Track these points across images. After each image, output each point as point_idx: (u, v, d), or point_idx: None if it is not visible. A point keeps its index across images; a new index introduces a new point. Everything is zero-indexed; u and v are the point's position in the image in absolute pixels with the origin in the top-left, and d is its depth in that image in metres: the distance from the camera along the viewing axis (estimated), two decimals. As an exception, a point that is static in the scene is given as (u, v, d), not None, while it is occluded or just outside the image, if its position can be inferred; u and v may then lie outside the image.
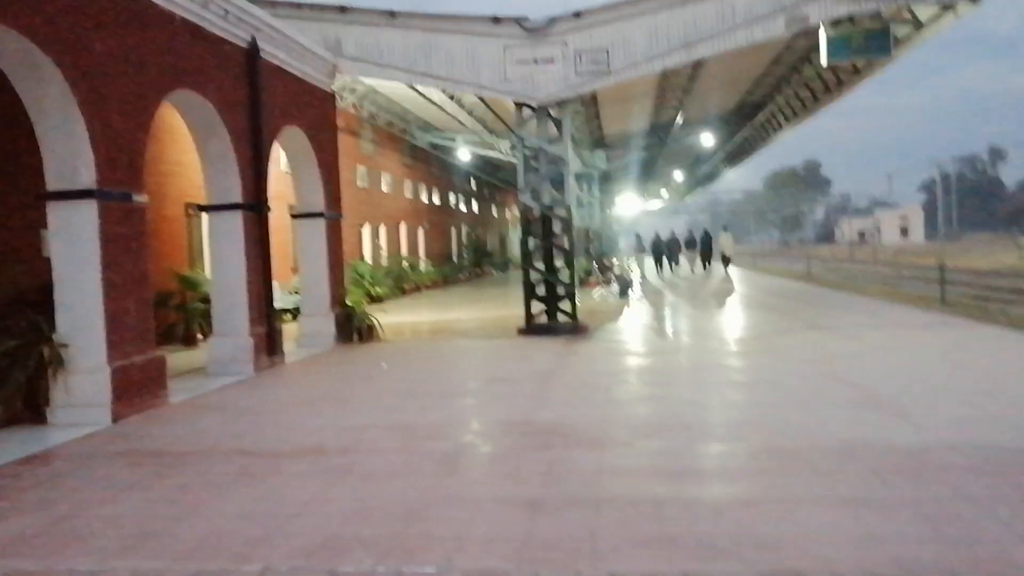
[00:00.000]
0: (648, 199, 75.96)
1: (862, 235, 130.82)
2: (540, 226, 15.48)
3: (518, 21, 14.94)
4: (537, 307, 15.61)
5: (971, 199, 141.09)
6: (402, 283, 29.63)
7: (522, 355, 12.80)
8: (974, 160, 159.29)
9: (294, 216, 15.25)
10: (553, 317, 15.55)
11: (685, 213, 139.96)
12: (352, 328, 15.32)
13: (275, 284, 20.73)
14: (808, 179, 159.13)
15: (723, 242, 38.78)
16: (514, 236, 62.60)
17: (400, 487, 5.81)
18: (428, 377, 11.06)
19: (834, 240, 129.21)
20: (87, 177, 8.44)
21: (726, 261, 38.14)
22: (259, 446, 7.29)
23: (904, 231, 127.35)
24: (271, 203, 13.23)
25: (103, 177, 8.55)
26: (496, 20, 14.99)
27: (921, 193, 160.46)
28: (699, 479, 5.76)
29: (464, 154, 33.95)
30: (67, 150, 8.39)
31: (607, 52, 14.85)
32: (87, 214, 8.41)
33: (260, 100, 12.16)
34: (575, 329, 15.15)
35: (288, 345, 14.56)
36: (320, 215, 15.05)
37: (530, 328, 15.31)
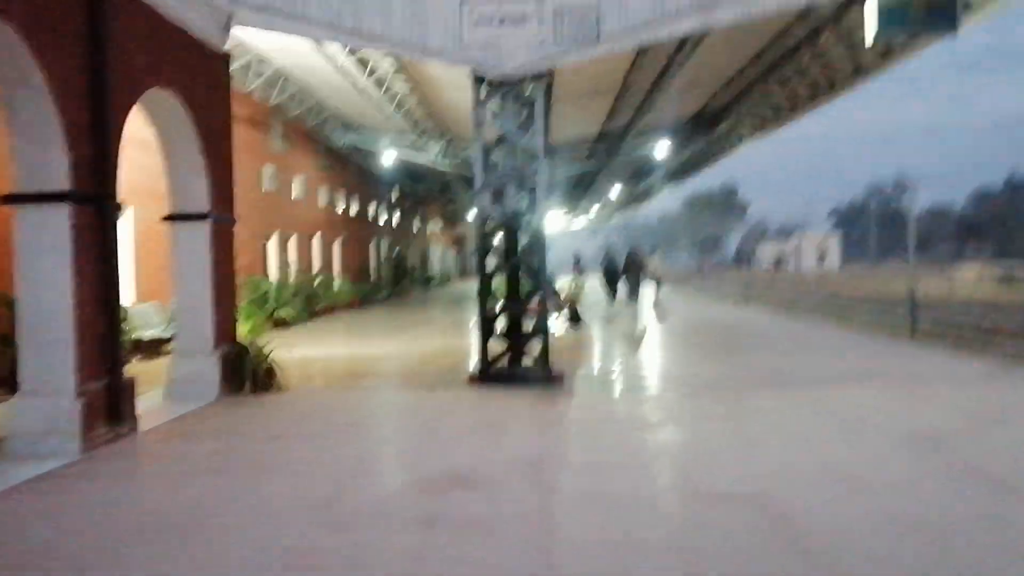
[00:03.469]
0: (574, 216, 73.13)
1: (779, 260, 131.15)
2: (504, 239, 11.73)
3: (481, -34, 11.22)
4: (493, 344, 11.85)
5: (877, 227, 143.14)
6: (313, 304, 25.44)
7: (486, 423, 8.97)
8: (879, 189, 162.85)
9: (166, 218, 11.10)
10: (517, 361, 11.78)
11: (602, 234, 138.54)
12: (244, 372, 11.24)
13: (152, 306, 16.50)
14: (726, 203, 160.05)
15: (655, 265, 36.14)
16: (436, 252, 58.72)
17: None
18: (348, 473, 7.09)
19: (750, 264, 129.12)
20: None
21: (658, 285, 35.42)
22: None
23: (821, 257, 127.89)
24: (148, 202, 9.24)
25: None
26: (451, -37, 11.24)
27: (830, 219, 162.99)
28: None
29: (388, 158, 29.97)
30: None
31: (597, 12, 11.24)
32: None
33: (106, 39, 8.08)
34: (548, 378, 11.40)
35: (153, 395, 10.47)
36: (203, 217, 10.95)
37: (487, 375, 11.51)
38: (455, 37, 11.29)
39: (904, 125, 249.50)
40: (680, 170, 39.10)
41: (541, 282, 11.73)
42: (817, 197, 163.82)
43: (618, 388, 11.37)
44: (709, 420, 8.94)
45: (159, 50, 9.53)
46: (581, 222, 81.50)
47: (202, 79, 10.82)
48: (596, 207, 59.97)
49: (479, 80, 11.54)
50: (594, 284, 37.08)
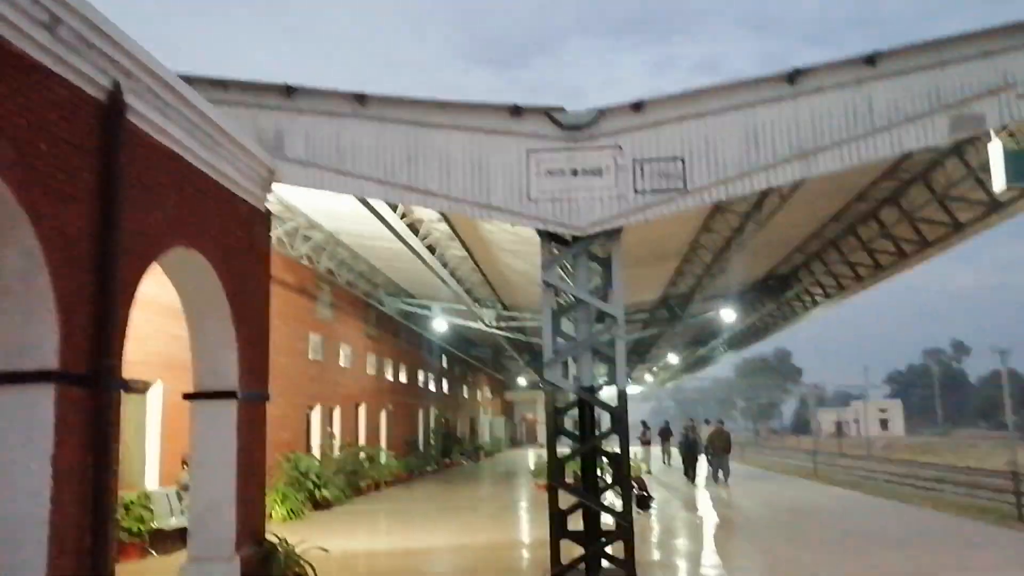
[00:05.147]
0: (628, 383, 70.99)
1: (839, 427, 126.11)
2: (580, 419, 10.01)
3: (550, 113, 10.09)
4: (566, 544, 9.89)
5: (939, 392, 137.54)
6: (358, 480, 23.57)
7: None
8: (938, 354, 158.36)
9: (187, 396, 9.64)
10: (596, 567, 9.79)
11: (655, 399, 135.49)
12: (271, 580, 9.42)
13: (178, 491, 14.78)
14: (779, 367, 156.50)
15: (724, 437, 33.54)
16: (485, 420, 56.80)
17: None
18: None
19: (809, 431, 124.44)
20: None
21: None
22: None
23: (884, 424, 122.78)
24: (179, 375, 7.82)
25: None
26: (517, 111, 10.13)
27: (887, 385, 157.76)
28: None
29: (439, 325, 28.79)
30: None
31: (682, 162, 9.96)
32: None
33: (120, 190, 6.86)
34: (633, 590, 9.37)
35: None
36: (231, 395, 9.46)
37: (560, 586, 9.50)
38: (521, 191, 10.04)
39: (953, 290, 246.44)
40: (744, 336, 37.34)
41: (623, 471, 9.89)
42: (871, 362, 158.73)
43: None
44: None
45: (185, 205, 8.34)
46: (634, 388, 79.28)
47: (236, 240, 9.60)
48: (652, 374, 57.92)
49: (548, 238, 10.19)
50: (656, 454, 34.86)
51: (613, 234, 10.07)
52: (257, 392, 10.01)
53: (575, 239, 10.08)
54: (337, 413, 24.97)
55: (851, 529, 15.30)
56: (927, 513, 17.89)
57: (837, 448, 71.69)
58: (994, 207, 14.82)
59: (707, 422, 34.77)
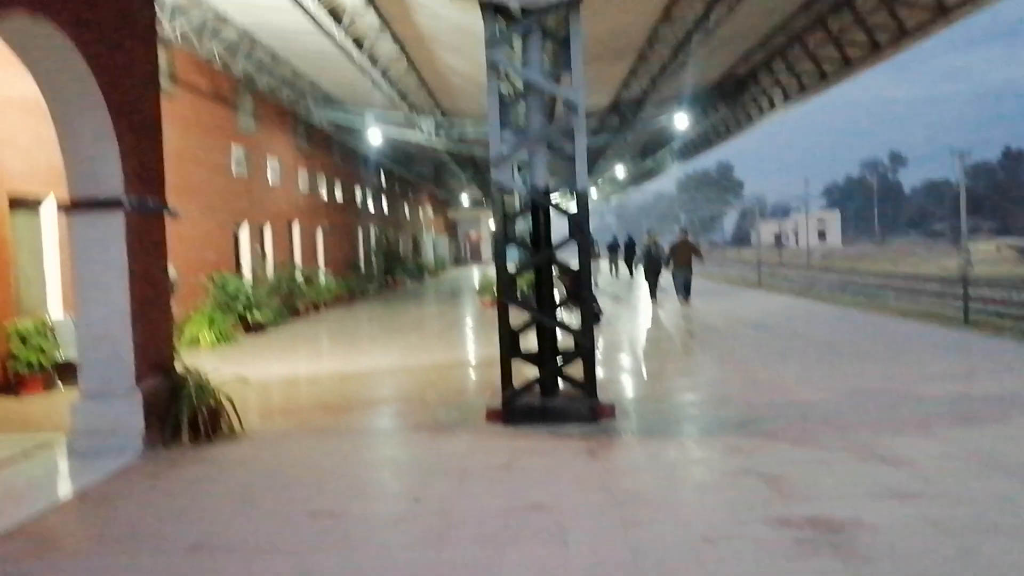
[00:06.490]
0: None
1: (778, 238, 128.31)
2: (533, 227, 8.70)
3: None
4: (519, 366, 8.85)
5: (873, 203, 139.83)
6: (295, 302, 22.41)
7: (520, 497, 5.94)
8: (875, 165, 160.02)
9: (63, 207, 8.02)
10: (552, 389, 8.78)
11: (598, 215, 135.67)
12: (182, 413, 8.19)
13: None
14: (721, 182, 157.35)
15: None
16: (428, 240, 55.69)
17: None
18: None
19: (749, 243, 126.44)
20: None
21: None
22: None
23: (822, 235, 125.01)
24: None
25: None
26: None
27: (824, 197, 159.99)
28: None
29: (375, 136, 26.87)
30: None
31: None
32: None
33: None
34: (593, 412, 8.38)
35: (52, 454, 7.49)
36: (115, 204, 7.87)
37: (511, 410, 8.47)
38: (459, -51, 8.22)
39: (893, 101, 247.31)
40: (694, 145, 36.04)
41: (584, 285, 8.69)
42: (811, 175, 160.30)
43: (694, 423, 8.38)
44: (868, 485, 5.91)
45: (23, -46, 6.42)
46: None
47: (103, 9, 7.71)
48: (596, 187, 56.77)
49: (493, 11, 8.47)
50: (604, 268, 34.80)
51: (572, 4, 8.39)
52: (150, 201, 8.41)
53: (525, 12, 8.39)
54: (268, 231, 23.41)
55: (816, 339, 14.66)
56: (876, 318, 17.48)
57: (777, 259, 72.64)
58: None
59: (649, 232, 33.80)
